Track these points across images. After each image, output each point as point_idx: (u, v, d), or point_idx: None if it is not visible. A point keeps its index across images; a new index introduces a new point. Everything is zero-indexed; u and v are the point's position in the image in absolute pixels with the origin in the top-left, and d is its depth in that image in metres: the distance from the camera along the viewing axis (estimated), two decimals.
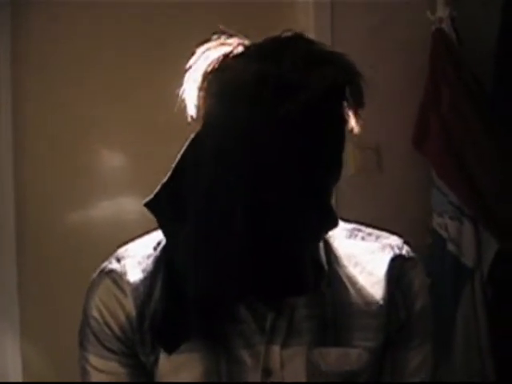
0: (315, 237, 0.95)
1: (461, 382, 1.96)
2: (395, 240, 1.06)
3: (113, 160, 2.02)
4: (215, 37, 0.94)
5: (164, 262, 0.98)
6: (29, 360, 1.90)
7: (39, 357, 1.90)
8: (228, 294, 0.91)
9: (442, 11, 2.03)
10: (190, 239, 0.92)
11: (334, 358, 0.96)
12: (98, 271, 1.02)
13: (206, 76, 0.90)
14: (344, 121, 0.91)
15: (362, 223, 1.11)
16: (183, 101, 0.94)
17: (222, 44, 0.92)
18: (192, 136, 0.95)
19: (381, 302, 1.00)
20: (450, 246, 2.00)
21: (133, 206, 1.95)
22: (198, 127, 0.94)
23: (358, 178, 2.10)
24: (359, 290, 1.00)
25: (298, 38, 0.90)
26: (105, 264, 1.02)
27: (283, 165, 0.85)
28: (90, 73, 1.98)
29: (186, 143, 0.96)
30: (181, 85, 0.94)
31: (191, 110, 0.94)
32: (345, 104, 0.90)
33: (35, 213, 1.95)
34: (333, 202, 2.01)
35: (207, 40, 0.94)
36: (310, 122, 0.85)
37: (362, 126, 0.93)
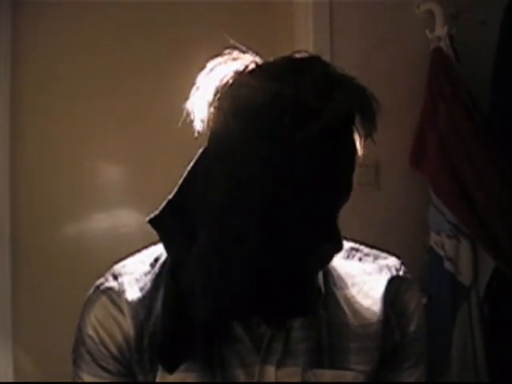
0: (324, 258, 0.94)
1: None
2: (393, 261, 1.06)
3: (110, 173, 2.01)
4: (227, 51, 0.92)
5: (165, 279, 0.97)
6: (21, 372, 1.88)
7: (32, 369, 1.88)
8: (235, 313, 0.91)
9: (441, 30, 2.04)
10: (200, 258, 0.90)
11: (329, 379, 0.96)
12: (93, 288, 1.00)
13: (218, 92, 0.88)
14: (355, 146, 0.90)
15: (359, 241, 1.10)
16: (189, 115, 0.92)
17: (234, 59, 0.91)
18: (200, 152, 0.94)
19: (377, 325, 0.99)
20: (447, 265, 1.99)
21: (129, 219, 1.93)
22: (203, 142, 0.93)
23: (355, 195, 2.06)
24: (355, 312, 0.99)
25: (315, 60, 0.88)
26: (101, 281, 1.00)
27: (297, 188, 0.84)
28: (88, 83, 1.97)
29: (194, 159, 0.95)
30: (185, 98, 0.92)
31: (198, 125, 0.92)
32: (354, 128, 0.89)
33: (31, 225, 1.94)
34: None
35: (218, 54, 0.92)
36: (327, 146, 0.84)
37: (365, 150, 0.93)
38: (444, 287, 1.99)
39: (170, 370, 0.92)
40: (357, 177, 2.12)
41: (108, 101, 1.99)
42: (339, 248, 0.92)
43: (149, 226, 0.97)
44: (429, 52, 2.06)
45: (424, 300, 2.00)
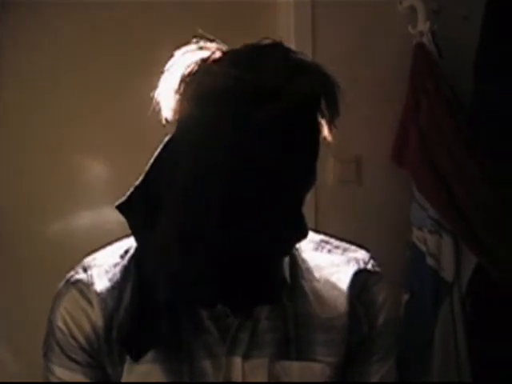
0: (286, 245, 0.95)
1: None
2: (362, 254, 1.06)
3: (94, 169, 2.00)
4: (194, 41, 0.94)
5: (133, 269, 0.98)
6: (2, 369, 1.87)
7: (13, 367, 1.86)
8: (197, 298, 0.91)
9: (423, 25, 2.04)
10: (160, 243, 0.91)
11: (296, 371, 0.96)
12: (64, 281, 1.01)
13: (184, 79, 0.90)
14: (318, 130, 0.91)
15: (338, 236, 1.10)
16: (158, 104, 0.94)
17: (201, 48, 0.93)
18: (166, 139, 0.95)
19: (343, 317, 1.00)
20: (429, 260, 1.99)
21: (113, 215, 1.89)
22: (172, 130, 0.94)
23: (337, 190, 2.09)
24: (322, 304, 1.00)
25: (277, 46, 0.90)
26: (71, 273, 1.01)
27: (257, 171, 0.85)
28: (74, 80, 1.95)
29: (160, 146, 0.96)
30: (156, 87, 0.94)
31: (166, 113, 0.94)
32: (319, 114, 0.90)
33: (13, 222, 1.92)
34: (312, 213, 2.02)
35: (186, 43, 0.94)
36: (286, 129, 0.85)
37: (335, 136, 0.93)
38: (426, 283, 1.99)
39: (136, 358, 0.93)
40: (338, 172, 2.16)
41: (93, 98, 1.97)
42: (303, 235, 0.93)
43: None
44: (411, 47, 2.05)
45: (406, 296, 2.01)
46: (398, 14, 2.12)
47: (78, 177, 1.99)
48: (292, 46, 1.94)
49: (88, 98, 1.96)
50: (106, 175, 1.99)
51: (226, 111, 0.85)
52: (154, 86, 0.95)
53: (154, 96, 0.94)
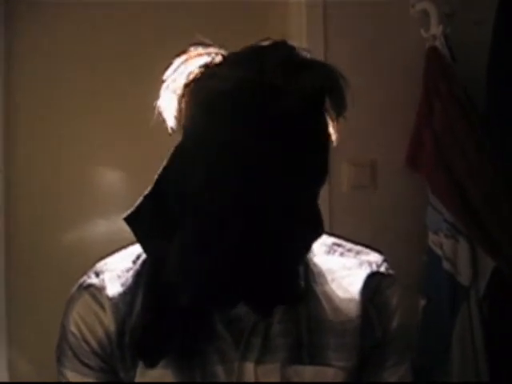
0: (305, 243, 0.94)
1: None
2: (375, 257, 1.05)
3: (109, 178, 2.01)
4: (192, 48, 0.94)
5: (144, 276, 0.97)
6: (16, 375, 1.88)
7: (27, 372, 1.87)
8: (218, 301, 0.91)
9: (436, 29, 2.04)
10: (181, 249, 0.90)
11: (308, 376, 0.95)
12: (76, 286, 1.01)
13: (187, 86, 0.90)
14: (326, 127, 0.90)
15: (352, 240, 1.09)
16: (160, 113, 0.94)
17: (200, 54, 0.92)
18: (174, 148, 0.94)
19: (356, 320, 0.98)
20: (446, 265, 1.98)
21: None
22: (178, 138, 0.93)
23: (352, 195, 2.09)
24: (335, 308, 0.99)
25: (280, 44, 0.90)
26: (83, 278, 1.01)
27: (270, 170, 0.84)
28: (87, 85, 1.96)
29: (168, 155, 0.95)
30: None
31: (171, 122, 0.94)
32: (326, 111, 0.90)
33: (28, 231, 1.93)
34: (326, 218, 2.02)
35: (184, 51, 0.94)
36: (294, 126, 0.84)
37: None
38: (443, 288, 1.98)
39: (150, 364, 0.92)
40: (352, 177, 2.15)
41: (108, 104, 1.98)
42: (320, 232, 0.92)
43: None
44: (424, 51, 2.05)
45: (423, 301, 2.00)
46: (411, 18, 2.13)
47: (93, 186, 2.00)
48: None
49: (105, 104, 1.97)
50: (122, 184, 2.00)
51: (231, 113, 0.85)
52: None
53: (157, 105, 0.94)
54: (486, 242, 1.95)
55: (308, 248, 0.97)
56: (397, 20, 2.12)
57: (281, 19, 2.10)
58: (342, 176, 2.06)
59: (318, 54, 1.96)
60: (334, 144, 0.93)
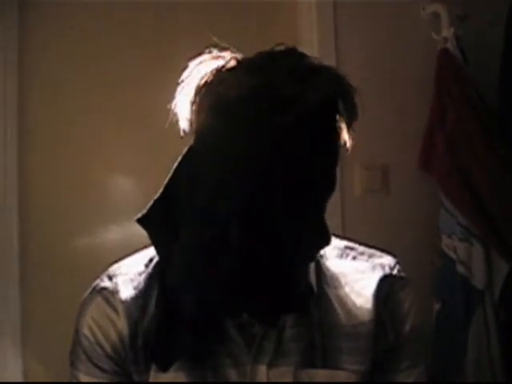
0: (309, 253, 0.94)
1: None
2: (387, 259, 1.05)
3: (121, 184, 2.01)
4: (207, 50, 0.94)
5: (157, 279, 0.98)
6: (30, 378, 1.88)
7: (41, 376, 1.87)
8: (222, 309, 0.91)
9: (447, 31, 2.04)
10: (184, 254, 0.91)
11: (321, 379, 0.95)
12: (89, 289, 1.01)
13: (199, 90, 0.90)
14: (338, 135, 0.90)
15: (364, 243, 1.09)
16: (175, 115, 0.94)
17: (215, 58, 0.92)
18: (185, 150, 0.95)
19: (369, 324, 0.98)
20: (460, 268, 1.96)
21: (141, 230, 1.91)
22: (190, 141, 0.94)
23: (364, 199, 2.08)
24: (348, 311, 0.99)
25: (291, 52, 0.90)
26: (97, 282, 1.02)
27: (275, 180, 0.84)
28: (99, 90, 1.96)
29: (179, 158, 0.96)
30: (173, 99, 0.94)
31: (183, 124, 0.94)
32: (338, 118, 0.89)
33: (41, 236, 1.93)
34: (339, 222, 2.01)
35: (200, 53, 0.94)
36: (302, 136, 0.84)
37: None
38: (457, 291, 1.97)
39: (163, 368, 0.93)
40: (365, 181, 2.14)
41: (121, 109, 1.98)
42: (325, 242, 0.92)
43: None
44: (436, 53, 2.04)
45: (437, 305, 1.98)
46: (422, 20, 2.12)
47: (106, 191, 2.00)
48: (315, 49, 1.99)
49: (118, 110, 1.97)
50: (134, 189, 2.00)
51: (241, 121, 0.85)
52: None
53: (171, 108, 0.94)
54: (500, 245, 1.94)
55: (312, 258, 0.96)
56: (408, 22, 2.12)
57: (291, 19, 2.10)
58: (354, 180, 2.06)
59: (329, 58, 1.96)
60: (348, 149, 0.92)
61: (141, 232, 1.93)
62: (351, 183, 2.05)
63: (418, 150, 2.07)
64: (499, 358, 1.92)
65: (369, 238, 1.12)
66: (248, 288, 0.89)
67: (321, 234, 0.90)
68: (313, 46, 2.03)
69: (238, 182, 0.85)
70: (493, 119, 2.00)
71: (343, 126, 0.90)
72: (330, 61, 1.93)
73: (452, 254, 1.98)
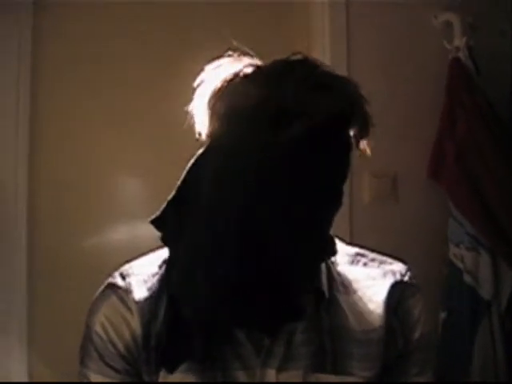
0: (311, 265, 0.95)
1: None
2: (398, 266, 1.05)
3: (129, 185, 2.01)
4: (227, 53, 0.95)
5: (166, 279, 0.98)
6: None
7: (46, 378, 1.88)
8: (221, 318, 0.91)
9: (459, 40, 2.04)
10: (184, 260, 0.92)
11: None
12: (103, 287, 1.01)
13: (214, 96, 0.91)
14: (347, 149, 0.91)
15: (369, 249, 1.10)
16: (192, 117, 0.95)
17: (233, 62, 0.93)
18: (199, 152, 0.96)
19: (379, 330, 0.99)
20: (467, 278, 1.96)
21: (148, 231, 1.91)
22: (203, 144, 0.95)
23: (373, 207, 2.08)
24: (358, 317, 0.99)
25: (303, 63, 0.91)
26: (110, 280, 1.01)
27: (280, 191, 0.85)
28: (109, 91, 1.97)
29: (192, 160, 0.96)
30: (191, 100, 0.95)
31: (199, 127, 0.95)
32: (350, 131, 0.90)
33: (48, 237, 1.94)
34: (347, 230, 2.01)
35: (219, 56, 0.95)
36: (307, 151, 0.85)
37: (373, 150, 0.93)
38: (464, 301, 1.96)
39: (170, 370, 0.92)
40: (374, 189, 2.14)
41: (131, 110, 1.98)
42: (330, 253, 0.94)
43: None
44: (447, 62, 2.04)
45: (444, 314, 1.98)
46: (434, 29, 2.12)
47: (114, 192, 2.00)
48: (326, 55, 1.99)
49: (127, 111, 1.98)
50: (142, 191, 2.00)
51: (249, 131, 0.86)
52: (188, 100, 0.96)
53: (188, 110, 0.95)
54: (508, 255, 1.94)
55: (314, 268, 0.97)
56: (420, 31, 2.12)
57: (304, 21, 2.10)
58: (363, 188, 2.06)
59: (341, 64, 1.97)
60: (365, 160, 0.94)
61: (148, 233, 1.93)
62: (360, 191, 2.05)
63: (428, 159, 2.07)
64: (505, 368, 1.92)
65: (377, 246, 1.12)
66: (248, 297, 0.88)
67: (323, 246, 0.92)
68: (325, 52, 2.03)
69: (240, 193, 0.86)
70: (503, 130, 2.00)
71: (355, 138, 0.91)
72: (341, 67, 1.94)
73: (459, 264, 1.98)
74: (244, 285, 0.88)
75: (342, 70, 1.94)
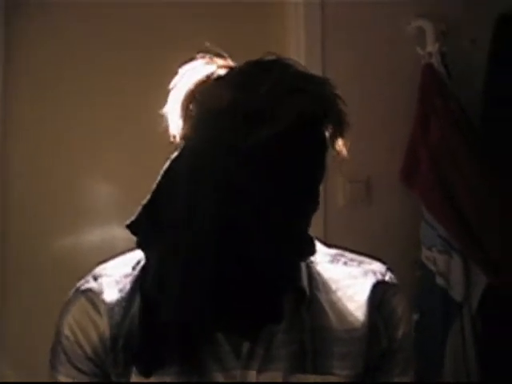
0: (290, 266, 0.95)
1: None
2: (378, 266, 1.06)
3: (102, 188, 2.01)
4: (200, 55, 0.95)
5: (141, 283, 0.97)
6: None
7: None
8: (198, 324, 0.90)
9: (432, 46, 2.06)
10: (159, 266, 0.91)
11: None
12: (74, 289, 1.01)
13: (186, 98, 0.92)
14: (322, 149, 0.91)
15: (346, 249, 1.10)
16: (167, 120, 0.95)
17: (207, 64, 0.93)
18: (173, 156, 0.95)
19: (361, 329, 0.98)
20: (439, 280, 1.98)
21: (122, 233, 1.90)
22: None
23: (347, 210, 2.10)
24: (339, 316, 0.99)
25: (276, 64, 0.91)
26: (81, 282, 1.01)
27: (248, 196, 0.85)
28: (82, 94, 1.97)
29: (166, 163, 0.96)
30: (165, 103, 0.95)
31: (173, 130, 0.95)
32: (325, 132, 0.90)
33: (21, 239, 1.93)
34: (321, 232, 2.02)
35: (191, 59, 0.95)
36: (282, 151, 0.85)
37: (347, 154, 0.93)
38: (436, 303, 1.99)
39: (146, 375, 0.92)
40: (348, 192, 2.16)
41: (103, 115, 1.98)
42: (308, 253, 0.94)
43: None
44: (420, 68, 2.07)
45: (416, 316, 2.00)
46: (407, 35, 2.14)
47: (87, 195, 2.00)
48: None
49: (99, 115, 1.98)
50: (116, 193, 2.01)
51: (219, 133, 0.86)
52: (162, 103, 0.96)
53: (162, 113, 0.95)
54: (479, 258, 1.96)
55: (292, 269, 0.96)
56: (393, 37, 2.14)
57: (279, 21, 2.12)
58: (337, 191, 2.07)
59: (316, 66, 1.98)
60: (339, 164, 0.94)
61: (122, 235, 1.93)
62: (334, 194, 2.07)
63: (401, 163, 2.10)
64: (476, 370, 1.94)
65: (351, 248, 1.13)
66: (225, 300, 0.88)
67: (301, 246, 0.92)
68: (299, 52, 2.06)
69: (211, 196, 0.86)
70: (475, 135, 2.03)
71: (331, 138, 0.91)
72: (316, 68, 1.95)
73: (431, 266, 2.00)
74: (221, 290, 0.87)
75: (316, 71, 1.95)
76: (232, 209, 0.86)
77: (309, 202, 0.91)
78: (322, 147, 0.91)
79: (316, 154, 0.90)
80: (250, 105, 0.85)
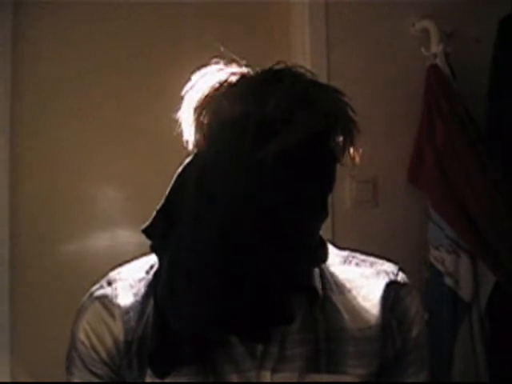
0: (299, 272, 0.95)
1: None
2: (390, 266, 1.06)
3: (110, 191, 2.01)
4: (214, 61, 0.95)
5: (154, 286, 0.98)
6: None
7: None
8: (209, 330, 0.90)
9: (436, 47, 2.06)
10: (169, 272, 0.92)
11: None
12: (88, 294, 1.01)
13: (199, 105, 0.92)
14: (331, 160, 0.91)
15: (357, 251, 1.10)
16: (180, 126, 0.95)
17: (220, 70, 0.93)
18: (185, 162, 0.96)
19: (375, 328, 0.99)
20: (447, 280, 1.99)
21: (129, 237, 1.93)
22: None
23: (354, 212, 2.10)
24: (354, 315, 0.99)
25: (286, 73, 0.91)
26: (96, 287, 1.02)
27: (258, 207, 0.86)
28: (90, 97, 1.96)
29: (179, 168, 0.97)
30: (179, 109, 0.95)
31: (186, 136, 0.95)
32: (335, 142, 0.90)
33: (30, 243, 1.92)
34: (329, 234, 2.01)
35: (205, 64, 0.95)
36: (291, 163, 0.86)
37: (362, 158, 0.94)
38: (445, 303, 1.99)
39: (161, 376, 0.92)
40: (355, 193, 2.16)
41: (110, 117, 1.98)
42: (319, 261, 0.95)
43: (148, 244, 0.99)
44: (425, 69, 2.07)
45: (425, 316, 1.99)
46: (412, 36, 2.15)
47: (96, 200, 2.00)
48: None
49: (107, 117, 1.98)
50: (124, 197, 2.00)
51: (229, 145, 0.87)
52: (173, 109, 0.96)
53: (175, 118, 0.95)
54: (487, 257, 1.96)
55: (301, 278, 0.96)
56: (398, 38, 2.15)
57: (284, 19, 2.13)
58: (344, 192, 2.08)
59: (321, 68, 1.99)
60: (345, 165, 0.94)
61: (131, 239, 1.93)
62: (341, 195, 2.07)
63: (408, 163, 2.10)
64: (485, 369, 1.94)
65: (358, 249, 1.14)
66: (234, 306, 0.88)
67: (310, 255, 0.92)
68: (305, 54, 2.06)
69: (220, 205, 0.87)
70: (480, 135, 2.03)
71: (342, 147, 0.91)
72: (321, 70, 1.97)
73: (440, 266, 2.01)
74: (231, 296, 0.88)
75: (321, 71, 1.97)
76: (244, 218, 0.86)
77: (318, 211, 0.91)
78: (331, 158, 0.91)
79: (325, 166, 0.91)
80: (263, 115, 0.85)
